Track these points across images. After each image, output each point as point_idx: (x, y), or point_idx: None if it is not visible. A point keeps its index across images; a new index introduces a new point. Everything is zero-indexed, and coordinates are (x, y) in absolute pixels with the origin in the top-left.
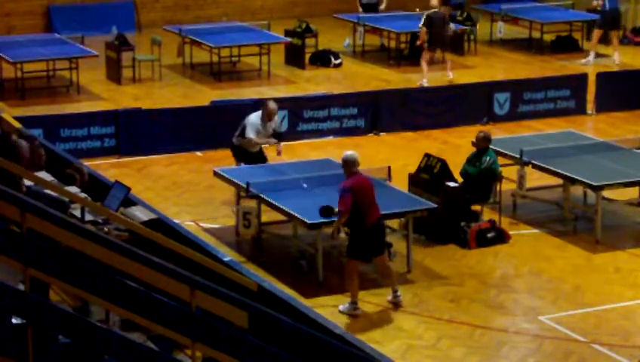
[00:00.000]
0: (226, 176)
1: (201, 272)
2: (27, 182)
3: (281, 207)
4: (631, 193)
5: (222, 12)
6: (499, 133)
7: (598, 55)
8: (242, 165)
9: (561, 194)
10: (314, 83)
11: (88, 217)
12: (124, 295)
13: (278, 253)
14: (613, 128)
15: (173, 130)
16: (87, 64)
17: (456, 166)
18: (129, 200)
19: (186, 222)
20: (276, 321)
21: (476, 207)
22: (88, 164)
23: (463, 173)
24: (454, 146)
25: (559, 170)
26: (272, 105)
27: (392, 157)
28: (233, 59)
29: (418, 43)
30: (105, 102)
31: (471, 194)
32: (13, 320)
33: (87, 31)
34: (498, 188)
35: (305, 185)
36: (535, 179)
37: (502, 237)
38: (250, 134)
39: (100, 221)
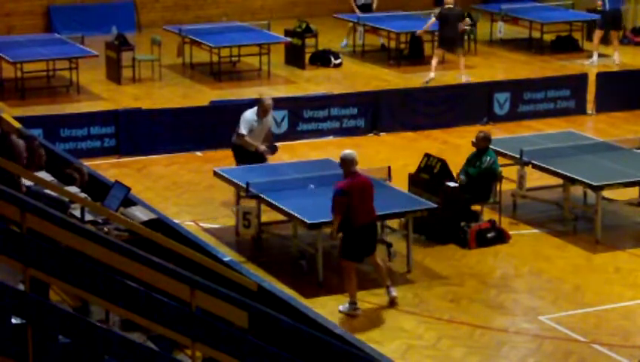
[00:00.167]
0: (226, 176)
1: (201, 272)
2: (27, 182)
3: (281, 207)
4: (631, 193)
5: (222, 12)
6: (499, 133)
7: (599, 55)
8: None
9: (561, 194)
10: (314, 83)
11: (88, 217)
12: (124, 295)
13: (278, 253)
14: (613, 128)
15: (173, 130)
16: (87, 64)
17: (456, 166)
18: (129, 200)
19: (186, 222)
20: (276, 321)
21: (476, 207)
22: (88, 164)
23: (462, 174)
24: (454, 146)
25: (559, 170)
26: (268, 101)
27: (392, 157)
28: (233, 59)
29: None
30: (105, 102)
31: (471, 194)
32: (13, 320)
33: (87, 31)
34: (498, 188)
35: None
36: (535, 179)
37: (502, 237)
38: (242, 130)
39: (100, 221)
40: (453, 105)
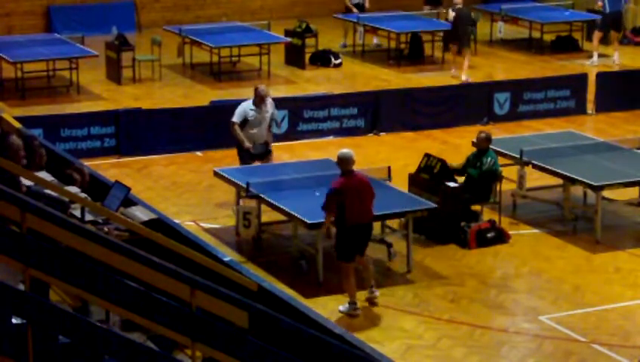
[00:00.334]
0: (226, 176)
1: (201, 272)
2: (27, 182)
3: (281, 207)
4: (631, 193)
5: (222, 12)
6: (499, 133)
7: (599, 55)
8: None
9: (561, 194)
10: (314, 83)
11: (88, 217)
12: (124, 295)
13: (278, 252)
14: (613, 128)
15: (173, 130)
16: (87, 64)
17: None
18: (129, 200)
19: (186, 222)
20: (276, 321)
21: (476, 207)
22: (88, 164)
23: (464, 168)
24: (454, 146)
25: (559, 170)
26: (261, 88)
27: (392, 157)
28: (233, 59)
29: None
30: (105, 102)
31: (471, 194)
32: (13, 320)
33: (87, 31)
34: (498, 188)
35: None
36: (535, 179)
37: (502, 237)
38: (234, 117)
39: (100, 221)
40: (453, 105)
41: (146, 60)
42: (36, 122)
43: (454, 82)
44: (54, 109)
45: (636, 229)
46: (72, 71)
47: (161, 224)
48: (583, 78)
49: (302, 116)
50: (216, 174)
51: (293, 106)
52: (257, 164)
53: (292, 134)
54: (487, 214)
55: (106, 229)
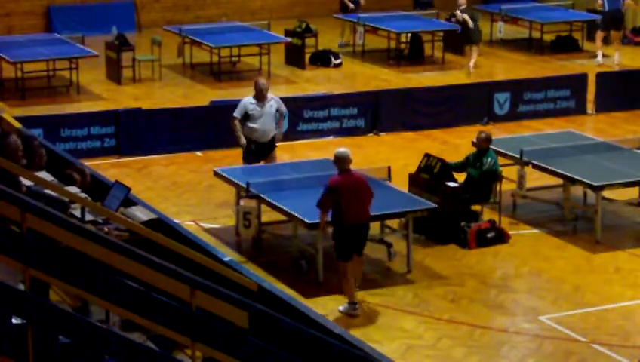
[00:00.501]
0: (226, 176)
1: (201, 272)
2: (27, 182)
3: (281, 207)
4: (631, 193)
5: (222, 12)
6: (499, 133)
7: (603, 55)
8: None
9: (561, 194)
10: (314, 83)
11: (88, 217)
12: (124, 295)
13: (278, 252)
14: (613, 128)
15: (173, 130)
16: (87, 64)
17: None
18: (129, 200)
19: (186, 222)
20: (276, 321)
21: (476, 207)
22: (88, 164)
23: (463, 165)
24: (454, 146)
25: (559, 170)
26: (260, 81)
27: (392, 157)
28: (233, 59)
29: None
30: (105, 102)
31: (471, 195)
32: (13, 320)
33: (87, 31)
34: (498, 188)
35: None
36: (535, 179)
37: (502, 237)
38: (235, 112)
39: (100, 221)
40: (453, 105)
41: (146, 60)
42: (36, 122)
43: (454, 82)
44: (54, 109)
45: (636, 229)
46: (72, 71)
47: (161, 224)
48: (583, 78)
49: (302, 116)
50: (216, 174)
51: (293, 106)
52: (261, 163)
53: (292, 134)
54: (487, 214)
55: (106, 229)
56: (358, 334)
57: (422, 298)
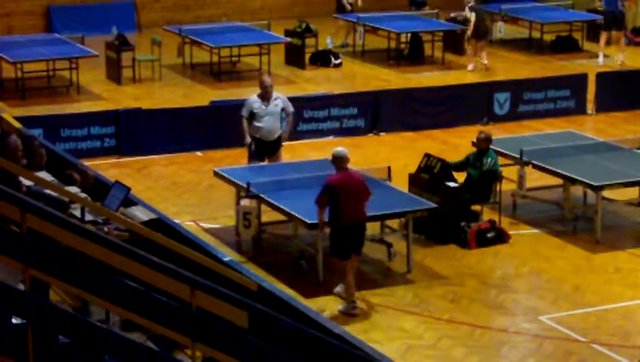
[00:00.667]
0: (226, 176)
1: (201, 272)
2: (27, 182)
3: (281, 207)
4: (631, 193)
5: (222, 12)
6: (499, 133)
7: (605, 55)
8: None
9: (561, 194)
10: (314, 83)
11: (88, 217)
12: (124, 295)
13: (278, 252)
14: (613, 128)
15: (173, 130)
16: (87, 64)
17: None
18: (129, 200)
19: (186, 222)
20: (276, 321)
21: (476, 207)
22: (88, 163)
23: (462, 164)
24: (454, 146)
25: (559, 170)
26: (264, 79)
27: (392, 157)
28: (233, 59)
29: (469, 30)
30: (105, 102)
31: (471, 195)
32: (13, 320)
33: (87, 31)
34: (498, 188)
35: None
36: (535, 179)
37: (502, 237)
38: (242, 111)
39: (100, 221)
40: (453, 105)
41: (146, 60)
42: (36, 122)
43: (454, 82)
44: (54, 109)
45: (636, 229)
46: (72, 71)
47: (161, 224)
48: (583, 78)
49: (302, 116)
50: (216, 174)
51: (294, 106)
52: (265, 162)
53: (292, 134)
54: (487, 214)
55: (106, 229)
56: (358, 334)
57: (422, 298)
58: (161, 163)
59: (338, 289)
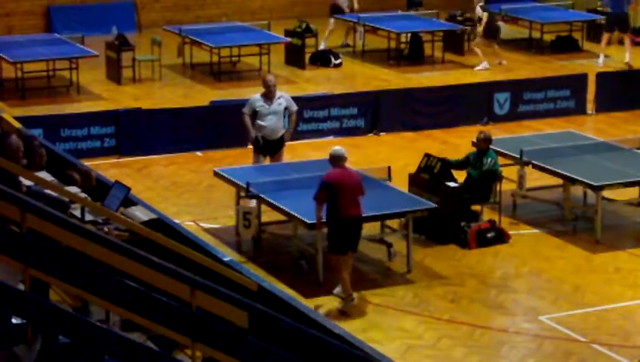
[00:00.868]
0: (226, 176)
1: (201, 272)
2: (27, 182)
3: (281, 207)
4: (631, 193)
5: (222, 12)
6: (499, 133)
7: (605, 56)
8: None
9: (561, 194)
10: (314, 83)
11: (88, 217)
12: (124, 295)
13: (278, 252)
14: (613, 128)
15: (173, 130)
16: (87, 64)
17: None
18: (129, 200)
19: (186, 222)
20: (276, 321)
21: (476, 207)
22: (88, 163)
23: (462, 163)
24: (454, 146)
25: (559, 170)
26: (267, 77)
27: (392, 157)
28: (233, 59)
29: (480, 29)
30: (105, 102)
31: (471, 195)
32: (13, 320)
33: (87, 31)
34: (498, 188)
35: None
36: (535, 179)
37: (502, 237)
38: (244, 108)
39: (100, 221)
40: (453, 105)
41: (146, 60)
42: (36, 122)
43: (454, 82)
44: (54, 109)
45: (636, 229)
46: (72, 71)
47: (161, 224)
48: (582, 78)
49: (302, 116)
50: (216, 174)
51: None
52: (267, 161)
53: (292, 134)
54: (487, 214)
55: (106, 229)
56: (358, 334)
57: (422, 298)
58: (161, 163)
59: (337, 289)
